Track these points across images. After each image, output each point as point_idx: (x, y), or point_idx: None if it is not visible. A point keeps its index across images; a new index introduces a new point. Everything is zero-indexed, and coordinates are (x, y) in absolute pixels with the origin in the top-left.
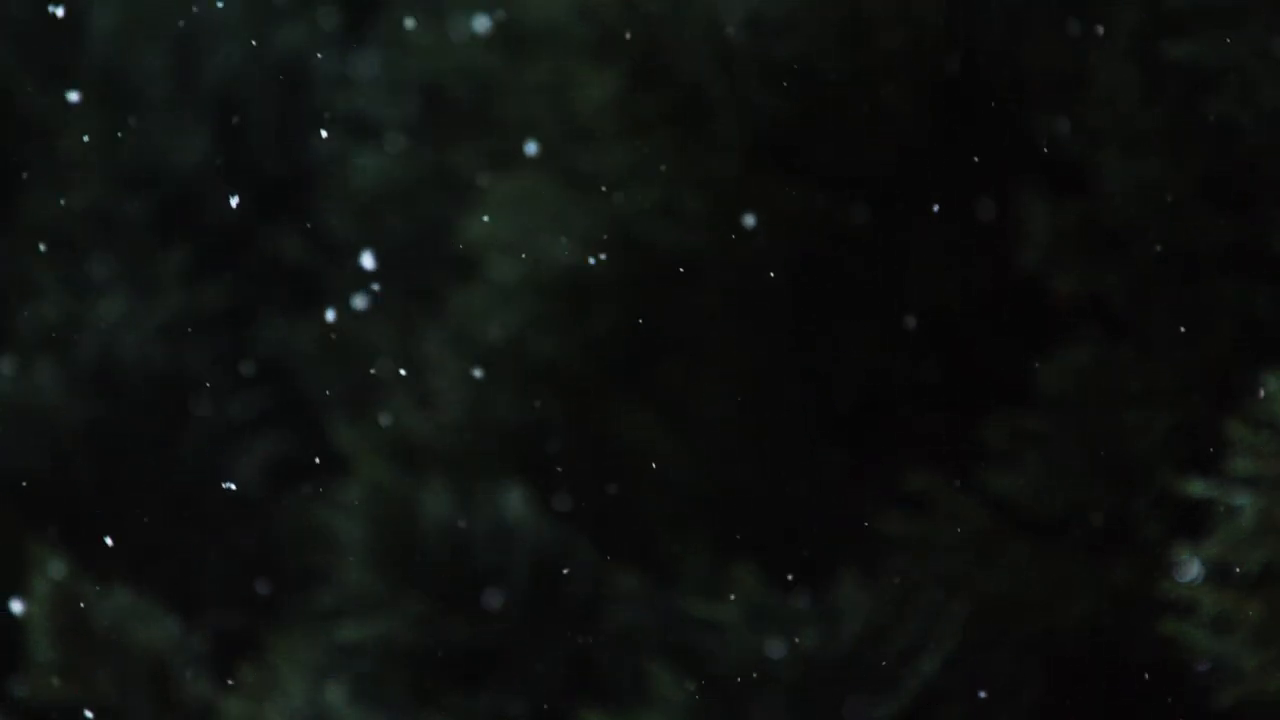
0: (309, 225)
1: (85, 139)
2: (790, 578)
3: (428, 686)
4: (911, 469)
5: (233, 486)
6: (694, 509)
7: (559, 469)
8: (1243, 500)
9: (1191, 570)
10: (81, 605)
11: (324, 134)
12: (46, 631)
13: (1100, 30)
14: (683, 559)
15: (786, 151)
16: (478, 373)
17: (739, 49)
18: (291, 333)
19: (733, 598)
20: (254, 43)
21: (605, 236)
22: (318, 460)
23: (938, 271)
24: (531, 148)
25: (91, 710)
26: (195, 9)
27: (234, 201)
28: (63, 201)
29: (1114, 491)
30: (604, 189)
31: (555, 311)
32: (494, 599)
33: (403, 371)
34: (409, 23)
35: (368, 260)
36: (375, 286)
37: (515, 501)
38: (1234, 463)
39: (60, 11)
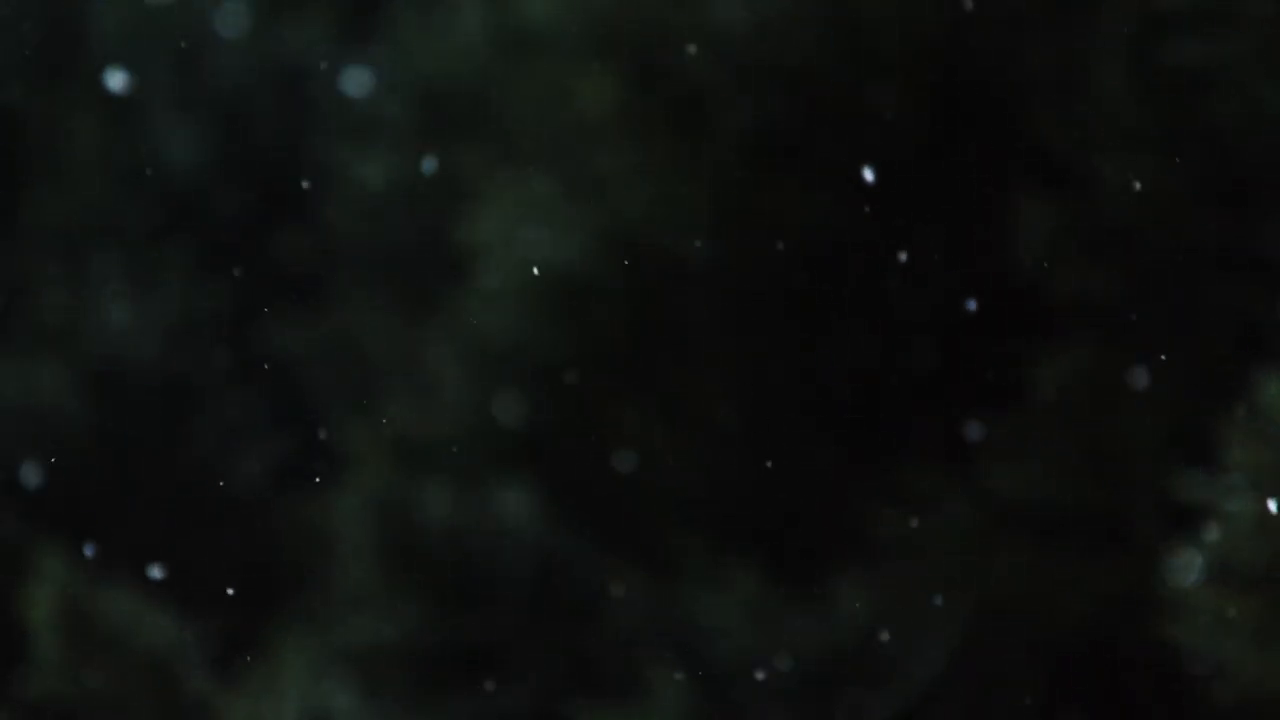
0: (310, 226)
1: (88, 141)
2: (790, 578)
3: (428, 685)
4: (910, 469)
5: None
6: (694, 509)
7: (559, 469)
8: (1241, 501)
9: (1191, 570)
10: (83, 605)
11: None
12: (48, 631)
13: (1097, 33)
14: (683, 559)
15: (786, 151)
16: (478, 373)
17: (739, 51)
18: (293, 333)
19: (733, 598)
20: (255, 45)
21: (605, 237)
22: (318, 460)
23: (936, 272)
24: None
25: (92, 710)
26: (196, 11)
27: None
28: (65, 203)
29: (1114, 491)
30: (604, 189)
31: (555, 312)
32: (494, 599)
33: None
34: (409, 24)
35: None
36: (376, 287)
37: (515, 501)
38: (1233, 464)
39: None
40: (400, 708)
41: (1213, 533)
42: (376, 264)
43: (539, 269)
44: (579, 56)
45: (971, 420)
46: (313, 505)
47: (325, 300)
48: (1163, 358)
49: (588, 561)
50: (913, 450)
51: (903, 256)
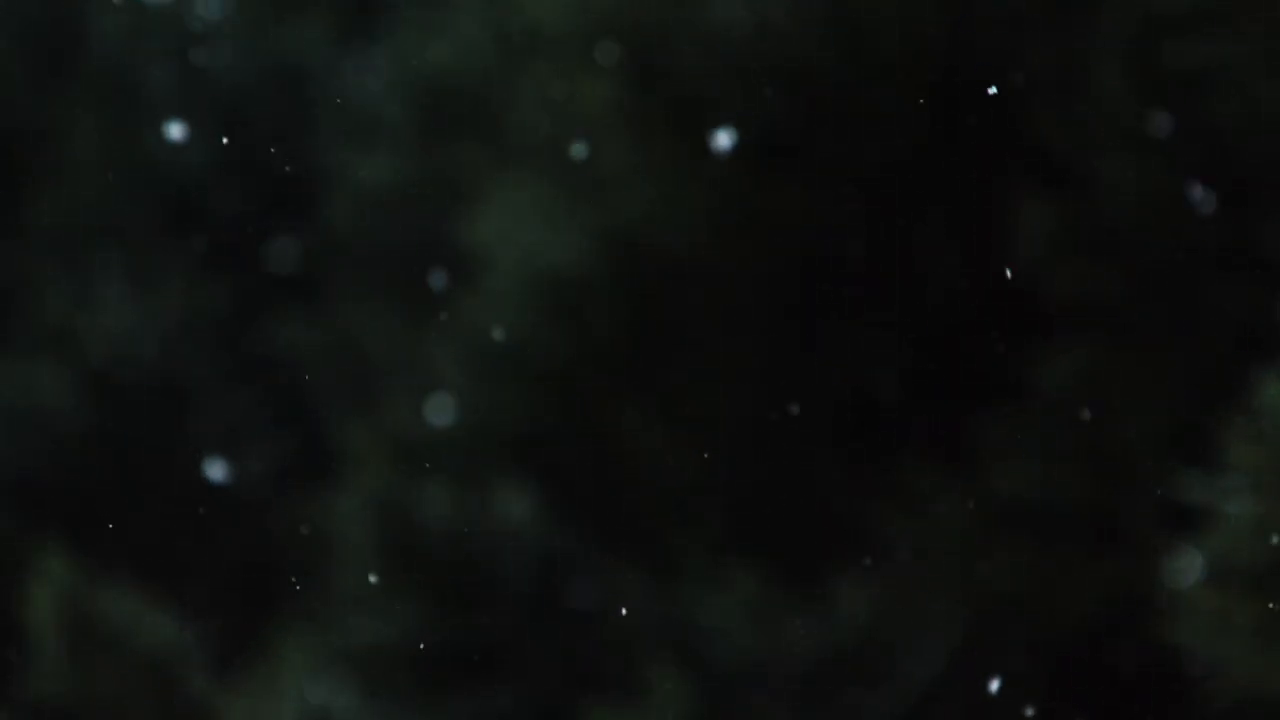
0: (310, 226)
1: (88, 141)
2: (790, 578)
3: (428, 685)
4: (910, 469)
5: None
6: (694, 509)
7: (559, 469)
8: (1241, 502)
9: (1191, 570)
10: (83, 606)
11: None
12: (48, 632)
13: (1097, 33)
14: (683, 559)
15: (786, 151)
16: (478, 373)
17: (739, 51)
18: (293, 333)
19: (733, 598)
20: (255, 44)
21: (605, 237)
22: (318, 460)
23: (936, 271)
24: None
25: (92, 710)
26: (197, 11)
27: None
28: (65, 203)
29: (1114, 491)
30: (604, 189)
31: (556, 312)
32: (494, 599)
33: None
34: (409, 24)
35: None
36: (376, 287)
37: (515, 501)
38: (1232, 464)
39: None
40: (400, 708)
41: (1213, 533)
42: (376, 264)
43: (539, 269)
44: (579, 56)
45: (971, 420)
46: (313, 505)
47: (325, 300)
48: (1163, 358)
49: (588, 561)
50: (913, 450)
51: (902, 256)
